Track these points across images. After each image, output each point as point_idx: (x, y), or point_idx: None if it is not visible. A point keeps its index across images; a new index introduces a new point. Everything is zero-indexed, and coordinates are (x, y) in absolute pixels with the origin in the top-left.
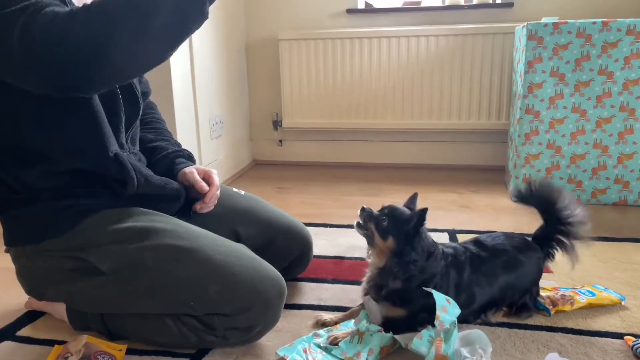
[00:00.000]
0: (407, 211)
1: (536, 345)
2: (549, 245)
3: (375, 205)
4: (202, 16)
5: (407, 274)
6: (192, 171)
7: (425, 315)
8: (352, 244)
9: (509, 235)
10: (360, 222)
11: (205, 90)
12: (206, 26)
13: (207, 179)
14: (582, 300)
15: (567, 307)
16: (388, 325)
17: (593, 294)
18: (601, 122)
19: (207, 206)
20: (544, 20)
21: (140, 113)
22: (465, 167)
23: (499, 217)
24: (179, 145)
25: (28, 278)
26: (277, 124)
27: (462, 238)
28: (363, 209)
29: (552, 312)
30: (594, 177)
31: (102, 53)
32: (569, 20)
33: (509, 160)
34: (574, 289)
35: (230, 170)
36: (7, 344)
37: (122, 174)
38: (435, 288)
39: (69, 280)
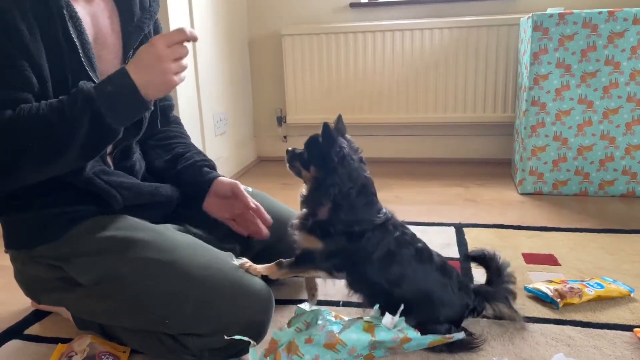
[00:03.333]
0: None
1: (545, 338)
2: (482, 299)
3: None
4: (114, 138)
5: (329, 198)
6: (238, 183)
7: (341, 262)
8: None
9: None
10: (288, 163)
11: (209, 87)
12: (209, 23)
13: (257, 212)
14: (590, 292)
15: (576, 300)
16: (302, 258)
17: (601, 286)
18: (608, 113)
19: (264, 233)
20: (549, 10)
21: (142, 132)
22: (471, 160)
23: (505, 210)
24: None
25: (23, 282)
26: (281, 120)
27: (468, 232)
28: (287, 151)
29: (560, 305)
30: (601, 168)
31: (7, 170)
32: (574, 11)
33: (515, 153)
34: (582, 281)
35: (235, 167)
36: (15, 343)
37: (102, 193)
38: (362, 233)
39: (58, 288)
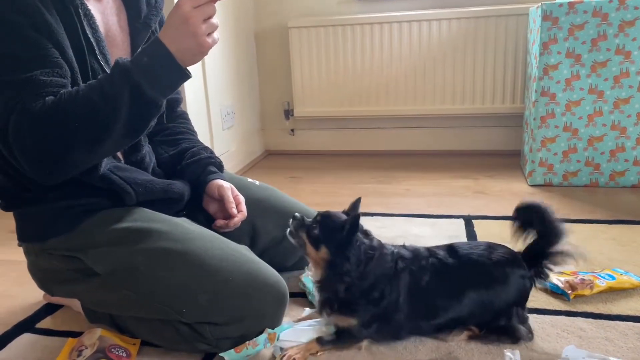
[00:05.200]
0: (341, 218)
1: (556, 330)
2: (541, 262)
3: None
4: (158, 112)
5: (344, 285)
6: (228, 188)
7: (380, 324)
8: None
9: (491, 246)
10: (292, 230)
11: (216, 81)
12: (215, 16)
13: (236, 204)
14: (601, 284)
15: (587, 291)
16: (342, 335)
17: (613, 278)
18: (619, 103)
19: (228, 228)
20: (559, 0)
21: (151, 128)
22: (480, 152)
23: (515, 202)
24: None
25: (37, 274)
26: (288, 113)
27: (477, 224)
28: (294, 217)
29: (571, 297)
30: (612, 159)
31: (60, 157)
32: None
33: (525, 144)
34: (594, 272)
35: (242, 161)
36: (27, 336)
37: (117, 189)
38: (382, 294)
39: (72, 280)
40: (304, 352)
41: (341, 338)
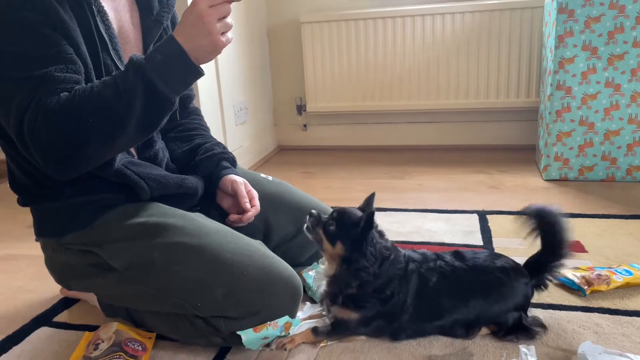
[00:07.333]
0: (356, 214)
1: (572, 326)
2: (542, 274)
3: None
4: (171, 109)
5: (358, 281)
6: (242, 183)
7: (381, 323)
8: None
9: (494, 255)
10: (309, 226)
11: (229, 77)
12: (229, 16)
13: (250, 199)
14: (618, 279)
15: (603, 287)
16: (339, 327)
17: (630, 273)
18: (636, 97)
19: (242, 223)
20: None
21: (164, 124)
22: (494, 147)
23: (530, 197)
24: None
25: (54, 269)
26: (301, 108)
27: (492, 219)
28: (311, 214)
29: (587, 292)
30: (629, 153)
31: (74, 152)
32: None
33: (540, 138)
34: (610, 268)
35: (255, 156)
36: (45, 330)
37: (131, 184)
38: (392, 293)
39: (89, 275)
40: (297, 340)
41: (336, 330)
